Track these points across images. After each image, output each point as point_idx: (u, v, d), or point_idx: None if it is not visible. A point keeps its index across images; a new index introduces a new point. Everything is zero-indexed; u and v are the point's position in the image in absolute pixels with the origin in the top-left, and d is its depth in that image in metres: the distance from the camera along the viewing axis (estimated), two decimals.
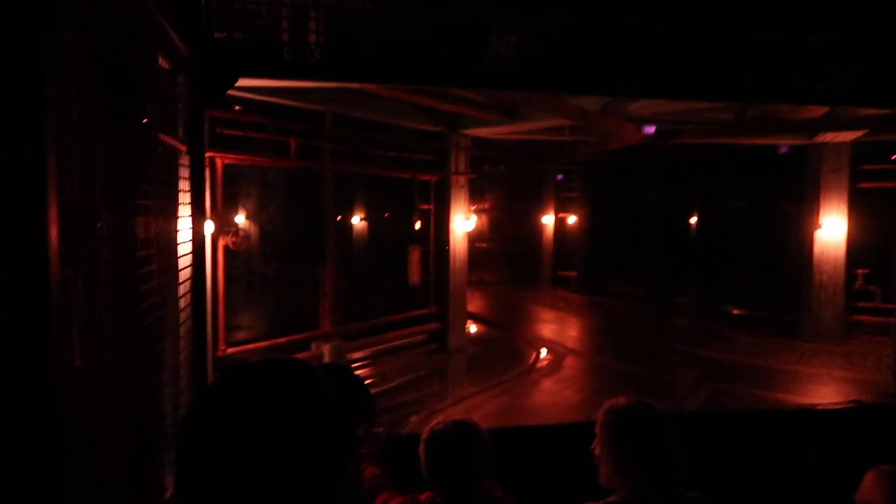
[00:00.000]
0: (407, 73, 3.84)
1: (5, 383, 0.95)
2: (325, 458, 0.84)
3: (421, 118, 11.29)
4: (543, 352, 12.56)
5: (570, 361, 12.02)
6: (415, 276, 11.81)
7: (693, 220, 19.28)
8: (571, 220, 21.47)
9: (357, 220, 19.86)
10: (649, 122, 11.25)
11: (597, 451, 2.02)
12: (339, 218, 17.14)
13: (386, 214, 21.63)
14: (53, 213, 1.00)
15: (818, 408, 4.66)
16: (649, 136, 11.18)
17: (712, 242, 18.17)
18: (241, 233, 8.68)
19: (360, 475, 2.16)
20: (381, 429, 2.45)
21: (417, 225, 13.04)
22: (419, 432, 2.26)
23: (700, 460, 2.05)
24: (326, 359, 9.22)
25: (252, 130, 8.83)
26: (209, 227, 2.75)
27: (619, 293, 19.38)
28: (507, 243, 22.67)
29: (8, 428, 0.95)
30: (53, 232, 1.00)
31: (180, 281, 2.29)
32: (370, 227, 20.90)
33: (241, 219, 15.39)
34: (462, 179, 12.22)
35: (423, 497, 2.07)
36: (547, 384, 10.71)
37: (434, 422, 2.18)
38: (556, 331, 14.94)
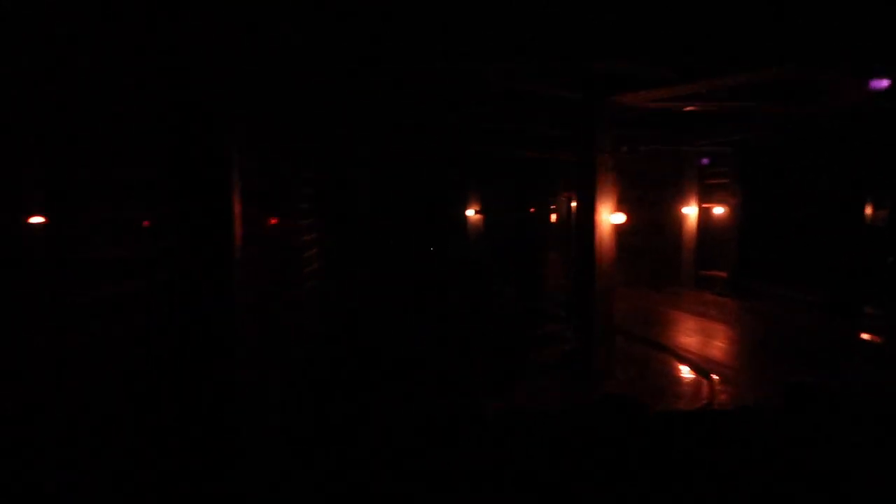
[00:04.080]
0: None
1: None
2: None
3: (556, 81, 8.80)
4: (715, 378, 9.77)
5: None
6: (552, 281, 9.32)
7: (883, 209, 15.56)
8: (718, 210, 18.25)
9: (472, 213, 17.41)
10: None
11: None
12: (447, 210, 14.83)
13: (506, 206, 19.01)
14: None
15: None
16: (878, 93, 8.13)
17: None
18: None
19: None
20: None
21: (553, 218, 10.53)
22: None
23: None
24: None
25: None
26: None
27: (781, 297, 16.04)
28: (637, 238, 19.59)
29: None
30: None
31: None
32: (487, 220, 18.34)
33: None
34: (610, 161, 9.60)
35: None
36: None
37: None
38: (718, 348, 12.01)
